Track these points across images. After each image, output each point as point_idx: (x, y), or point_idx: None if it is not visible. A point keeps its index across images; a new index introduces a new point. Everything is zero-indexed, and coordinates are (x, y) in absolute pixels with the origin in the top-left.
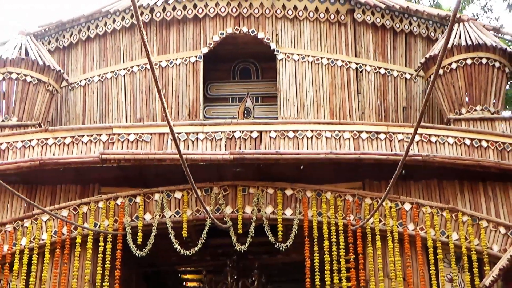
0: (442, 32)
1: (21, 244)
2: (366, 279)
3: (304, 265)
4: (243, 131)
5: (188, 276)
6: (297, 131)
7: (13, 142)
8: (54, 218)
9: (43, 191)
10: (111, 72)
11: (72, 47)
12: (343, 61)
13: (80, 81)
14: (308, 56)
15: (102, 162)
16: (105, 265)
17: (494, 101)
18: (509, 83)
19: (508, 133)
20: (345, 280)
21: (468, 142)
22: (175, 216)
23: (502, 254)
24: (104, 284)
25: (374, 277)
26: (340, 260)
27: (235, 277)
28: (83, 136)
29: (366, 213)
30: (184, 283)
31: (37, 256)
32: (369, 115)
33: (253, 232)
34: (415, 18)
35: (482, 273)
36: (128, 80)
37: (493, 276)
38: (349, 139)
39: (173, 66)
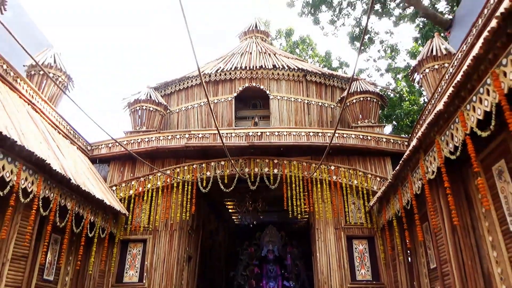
0: (349, 85)
1: (147, 187)
2: (312, 203)
3: (283, 197)
4: (254, 132)
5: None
6: (280, 131)
7: (144, 138)
8: (163, 174)
9: (158, 163)
10: (190, 105)
11: (172, 93)
12: (302, 99)
13: (176, 110)
14: (285, 97)
15: (186, 147)
16: (188, 197)
17: (373, 118)
18: (380, 110)
19: (380, 132)
20: (302, 205)
21: (361, 136)
22: (221, 173)
23: (378, 190)
24: (187, 205)
25: (316, 202)
26: (300, 194)
27: (250, 202)
28: (176, 135)
29: (312, 171)
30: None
31: (155, 193)
32: (314, 124)
33: (259, 180)
34: (335, 79)
35: (368, 200)
36: (198, 109)
37: (374, 201)
38: (304, 135)
39: (220, 102)
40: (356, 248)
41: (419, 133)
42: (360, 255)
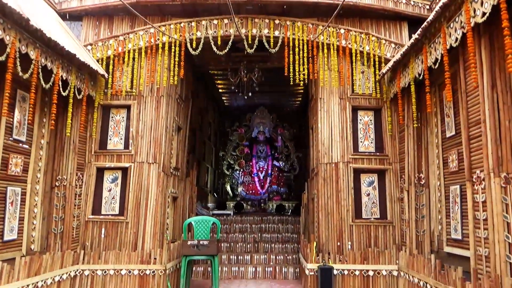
0: None
1: (128, 47)
2: (317, 71)
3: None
4: None
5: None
6: None
7: None
8: (146, 32)
9: (139, 20)
10: None
11: None
12: None
13: None
14: None
15: (172, 1)
16: (175, 59)
17: None
18: None
19: None
20: (306, 70)
21: None
22: (213, 34)
23: (391, 58)
24: (175, 68)
25: (321, 68)
26: (304, 59)
27: (245, 72)
28: None
29: (319, 33)
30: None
31: (138, 55)
32: None
33: (257, 43)
34: None
35: (380, 68)
36: None
37: (387, 67)
38: None
39: None
40: (360, 120)
41: None
42: (365, 127)
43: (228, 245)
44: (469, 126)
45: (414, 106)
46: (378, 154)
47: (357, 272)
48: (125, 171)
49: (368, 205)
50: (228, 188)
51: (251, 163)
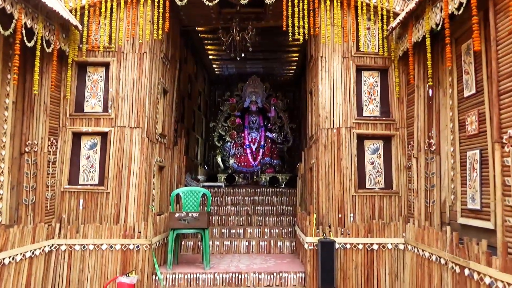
0: None
1: None
2: (318, 26)
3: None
4: None
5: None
6: None
7: None
8: None
9: None
10: None
11: None
12: None
13: None
14: None
15: None
16: (159, 11)
17: None
18: None
19: None
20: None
21: None
22: None
23: (401, 11)
24: (159, 21)
25: (324, 24)
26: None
27: (238, 30)
28: None
29: None
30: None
31: (117, 5)
32: None
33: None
34: None
35: (387, 24)
36: None
37: (397, 21)
38: None
39: None
40: (365, 81)
41: None
42: (370, 89)
43: (219, 218)
44: (499, 80)
45: (430, 61)
46: (384, 118)
47: (360, 246)
48: (104, 136)
49: (372, 174)
50: (219, 160)
51: (243, 135)
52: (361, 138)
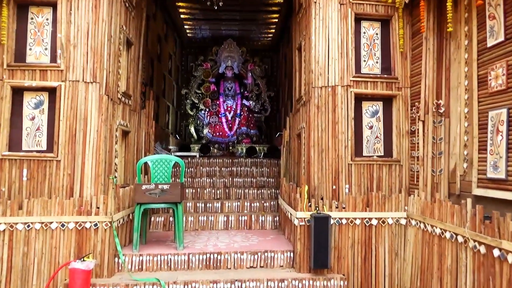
0: None
1: None
2: None
3: None
4: None
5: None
6: None
7: None
8: None
9: None
10: None
11: None
12: None
13: None
14: None
15: None
16: None
17: None
18: None
19: None
20: None
21: None
22: None
23: None
24: None
25: None
26: None
27: None
28: None
29: None
30: None
31: None
32: None
33: None
34: None
35: None
36: None
37: None
38: None
39: None
40: (365, 33)
41: None
42: (369, 42)
43: (194, 191)
44: None
45: (450, 2)
46: (385, 76)
47: (357, 221)
48: (53, 92)
49: (371, 140)
50: (192, 130)
51: (218, 102)
52: (359, 99)
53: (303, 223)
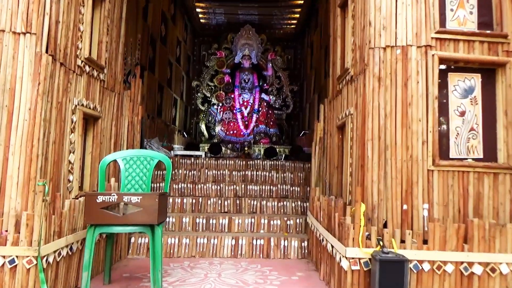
0: None
1: None
2: None
3: None
4: None
5: None
6: None
7: None
8: None
9: None
10: None
11: None
12: None
13: None
14: None
15: None
16: None
17: None
18: None
19: None
20: None
21: None
22: None
23: None
24: None
25: None
26: None
27: None
28: None
29: None
30: None
31: None
32: None
33: None
34: None
35: None
36: None
37: None
38: None
39: None
40: None
41: None
42: None
43: (194, 201)
44: None
45: None
46: (485, 33)
47: (449, 267)
48: None
49: (463, 134)
50: (203, 127)
51: (232, 96)
52: (443, 69)
53: (357, 267)
